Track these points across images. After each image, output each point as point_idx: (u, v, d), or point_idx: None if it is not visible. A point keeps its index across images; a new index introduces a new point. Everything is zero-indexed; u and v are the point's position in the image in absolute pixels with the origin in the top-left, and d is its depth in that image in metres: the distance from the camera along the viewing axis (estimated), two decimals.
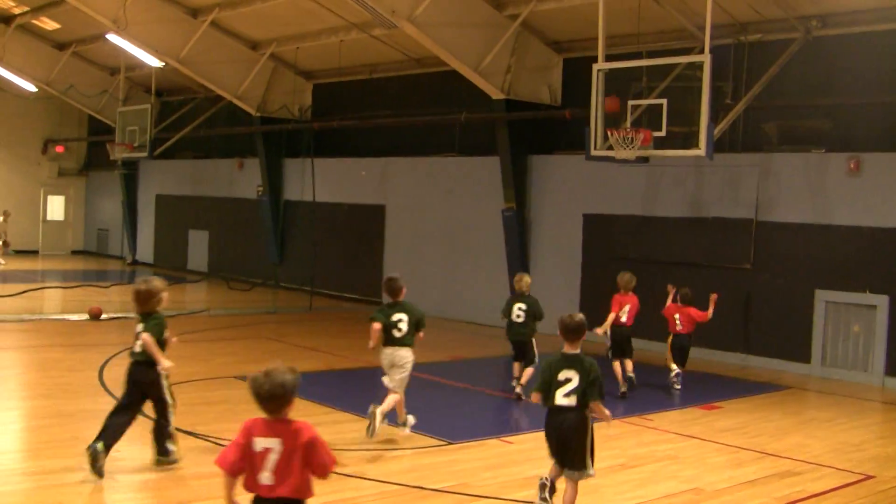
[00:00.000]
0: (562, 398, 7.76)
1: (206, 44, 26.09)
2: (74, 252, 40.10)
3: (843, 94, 17.03)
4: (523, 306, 13.86)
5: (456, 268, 22.51)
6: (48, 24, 30.91)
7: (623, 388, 14.12)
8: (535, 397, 8.03)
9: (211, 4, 25.07)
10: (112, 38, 26.05)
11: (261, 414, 5.48)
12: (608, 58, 16.70)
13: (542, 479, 8.17)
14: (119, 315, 20.22)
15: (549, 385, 7.86)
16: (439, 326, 19.40)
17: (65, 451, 9.65)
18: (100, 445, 8.83)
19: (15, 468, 9.23)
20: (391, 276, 11.05)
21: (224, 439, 10.38)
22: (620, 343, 14.33)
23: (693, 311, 14.67)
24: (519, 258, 21.20)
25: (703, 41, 15.32)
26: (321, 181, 26.00)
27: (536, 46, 21.14)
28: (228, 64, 26.96)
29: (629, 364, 14.39)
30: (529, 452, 10.64)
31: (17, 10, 30.46)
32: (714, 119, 15.45)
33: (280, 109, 27.95)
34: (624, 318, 14.19)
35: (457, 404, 13.16)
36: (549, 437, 8.00)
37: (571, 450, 7.80)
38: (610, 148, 16.04)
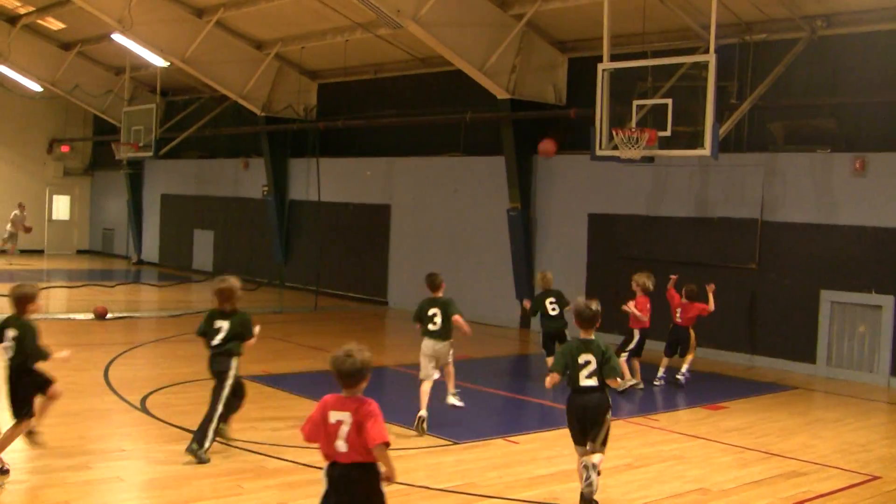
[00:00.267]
0: (585, 380, 8.38)
1: (212, 43, 26.12)
2: (80, 251, 40.15)
3: (849, 94, 17.01)
4: (553, 300, 14.87)
5: (461, 267, 22.49)
6: (53, 24, 30.94)
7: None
8: (550, 380, 8.60)
9: (216, 4, 25.08)
10: (117, 37, 26.08)
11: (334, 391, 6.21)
12: (613, 57, 16.69)
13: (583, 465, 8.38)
14: (124, 314, 20.28)
15: (568, 368, 8.45)
16: None
17: (71, 450, 9.66)
18: (221, 425, 9.81)
19: (21, 467, 9.22)
20: (432, 273, 11.95)
21: (229, 438, 10.39)
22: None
23: (699, 307, 15.00)
24: (524, 258, 21.20)
25: (708, 41, 15.33)
26: (326, 181, 26.01)
27: (541, 46, 21.14)
28: (233, 64, 26.98)
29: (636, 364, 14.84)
30: (535, 452, 10.66)
31: (22, 10, 30.48)
32: (719, 119, 15.46)
33: (285, 109, 27.96)
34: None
35: (463, 404, 13.16)
36: (572, 417, 8.53)
37: (598, 426, 8.36)
38: (615, 148, 16.05)
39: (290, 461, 9.70)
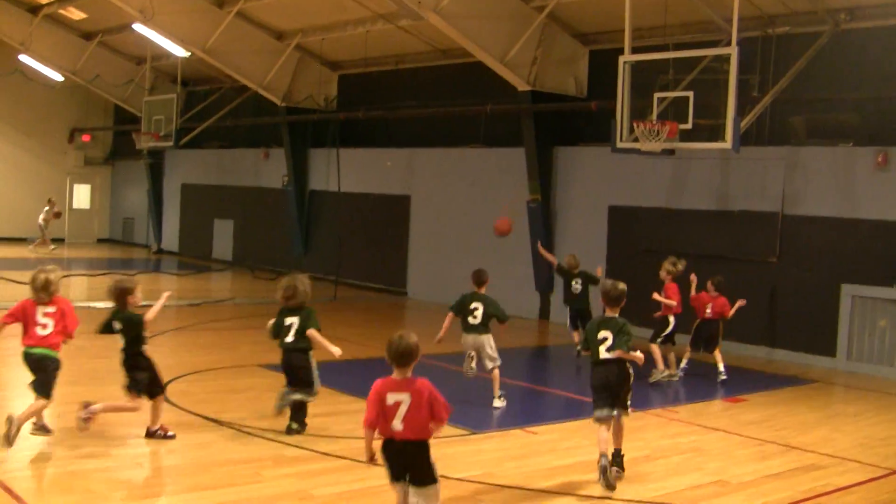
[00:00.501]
0: (605, 353, 9.11)
1: (232, 34, 26.16)
2: (100, 240, 40.33)
3: (872, 88, 16.92)
4: (579, 280, 16.46)
5: (480, 259, 22.35)
6: (75, 13, 31.05)
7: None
8: (585, 352, 9.71)
9: None
10: (138, 27, 26.18)
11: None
12: (634, 50, 16.64)
13: (600, 463, 8.92)
14: (144, 303, 20.32)
15: (591, 343, 9.24)
16: None
17: (91, 437, 9.71)
18: (294, 425, 10.31)
19: (41, 453, 9.29)
20: (480, 269, 12.67)
21: (248, 427, 10.44)
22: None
23: (724, 302, 14.89)
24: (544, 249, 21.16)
25: (730, 33, 15.25)
26: (346, 171, 26.04)
27: (563, 38, 21.09)
28: (254, 54, 27.02)
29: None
30: (554, 443, 10.65)
31: (44, 1, 30.60)
32: (740, 112, 15.39)
33: (306, 100, 28.02)
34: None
35: (481, 394, 13.16)
36: (596, 386, 9.22)
37: (620, 393, 9.11)
38: (636, 140, 16.00)
39: (309, 449, 9.73)
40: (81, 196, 40.18)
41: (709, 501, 8.76)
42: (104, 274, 25.74)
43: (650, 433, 11.32)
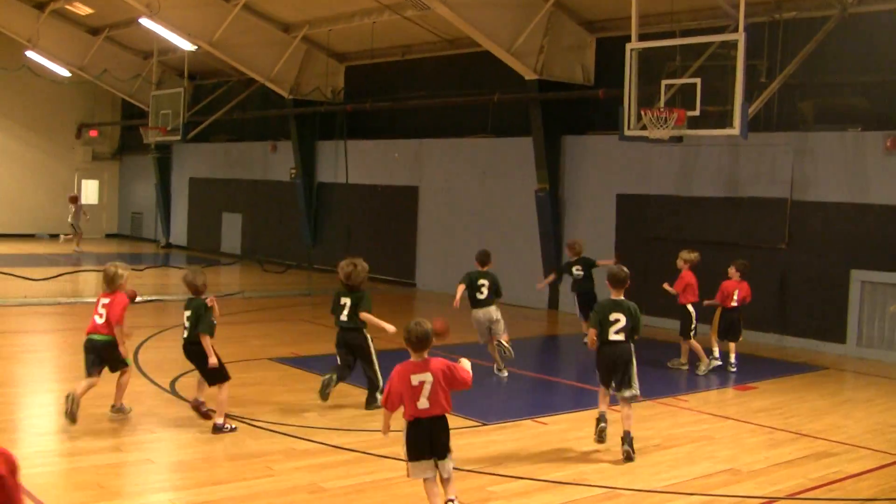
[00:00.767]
0: (614, 334, 9.56)
1: (239, 27, 26.16)
2: (109, 235, 40.43)
3: (880, 72, 16.84)
4: (580, 266, 16.84)
5: (489, 248, 22.37)
6: (82, 9, 31.07)
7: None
8: (592, 333, 9.76)
9: None
10: (145, 22, 26.17)
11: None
12: (642, 37, 16.58)
13: (598, 416, 9.85)
14: (153, 298, 20.37)
15: (601, 324, 9.59)
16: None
17: (101, 432, 9.72)
18: (333, 377, 11.10)
19: (52, 449, 9.33)
20: (484, 250, 13.95)
21: (259, 420, 10.44)
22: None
23: (747, 287, 14.85)
24: (552, 239, 21.17)
25: (737, 19, 15.18)
26: (354, 163, 26.03)
27: (569, 26, 21.03)
28: (261, 47, 27.01)
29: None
30: (564, 433, 10.63)
31: None
32: (748, 98, 15.33)
33: (313, 92, 28.00)
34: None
35: (491, 385, 13.16)
36: (602, 366, 9.77)
37: (626, 373, 9.58)
38: (644, 128, 15.95)
39: (320, 443, 9.73)
40: (90, 191, 40.22)
41: (720, 490, 8.73)
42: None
43: (661, 422, 11.30)
